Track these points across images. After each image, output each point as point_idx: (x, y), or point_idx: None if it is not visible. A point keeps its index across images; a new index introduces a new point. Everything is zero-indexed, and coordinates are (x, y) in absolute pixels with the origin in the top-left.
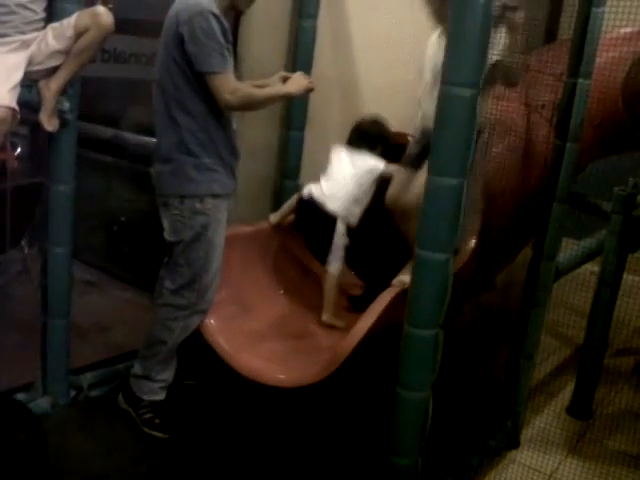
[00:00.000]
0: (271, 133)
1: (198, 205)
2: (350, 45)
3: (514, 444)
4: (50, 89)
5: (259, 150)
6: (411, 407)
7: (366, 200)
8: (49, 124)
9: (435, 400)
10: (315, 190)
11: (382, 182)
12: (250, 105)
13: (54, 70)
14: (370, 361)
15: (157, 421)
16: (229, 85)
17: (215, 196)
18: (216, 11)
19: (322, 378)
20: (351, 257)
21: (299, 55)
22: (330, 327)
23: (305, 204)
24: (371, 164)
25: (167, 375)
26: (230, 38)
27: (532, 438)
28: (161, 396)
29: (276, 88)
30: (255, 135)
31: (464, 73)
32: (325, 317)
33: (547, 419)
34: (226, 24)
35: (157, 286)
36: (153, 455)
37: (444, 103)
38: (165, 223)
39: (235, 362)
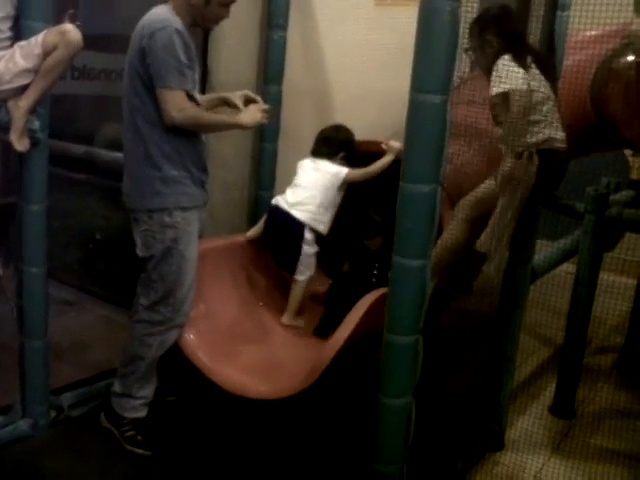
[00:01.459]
0: (244, 145)
1: (167, 219)
2: (321, 55)
3: (498, 446)
4: (20, 108)
5: (233, 162)
6: (393, 414)
7: (334, 207)
8: (19, 144)
9: (417, 406)
10: (281, 200)
11: (349, 188)
12: (196, 127)
13: (23, 89)
14: (351, 369)
15: (139, 438)
16: (177, 102)
17: (184, 209)
18: (180, 27)
19: (303, 388)
20: (320, 257)
21: (270, 66)
22: (292, 327)
23: (272, 215)
24: (334, 169)
25: (147, 392)
26: (193, 55)
27: (516, 439)
28: (142, 413)
29: (227, 117)
30: (228, 147)
31: (434, 80)
32: (285, 319)
33: (530, 420)
34: (190, 42)
35: (134, 303)
36: (137, 473)
37: (414, 110)
38: (136, 239)
39: (216, 376)
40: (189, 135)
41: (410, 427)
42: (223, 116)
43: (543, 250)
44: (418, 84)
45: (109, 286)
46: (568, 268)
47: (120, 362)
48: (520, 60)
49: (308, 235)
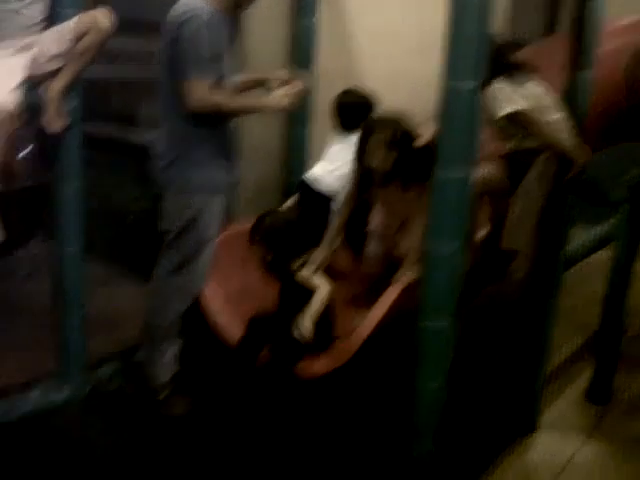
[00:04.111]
0: (275, 130)
1: (189, 200)
2: (351, 40)
3: (531, 430)
4: (52, 91)
5: (263, 147)
6: (427, 397)
7: None
8: (53, 125)
9: (451, 390)
10: (309, 174)
11: None
12: (219, 113)
13: (56, 72)
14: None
15: (171, 400)
16: (198, 93)
17: (207, 193)
18: (209, 16)
19: (334, 368)
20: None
21: (300, 52)
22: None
23: (303, 188)
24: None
25: (169, 357)
26: (224, 42)
27: (550, 423)
28: (168, 377)
29: (253, 101)
30: (259, 132)
31: (466, 66)
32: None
33: (565, 405)
34: (222, 28)
35: (153, 272)
36: (172, 438)
37: (447, 98)
38: (161, 213)
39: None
40: (216, 121)
41: (443, 410)
42: (248, 100)
43: (578, 235)
44: (449, 70)
45: (141, 262)
46: (606, 254)
47: (142, 331)
48: (514, 80)
49: (334, 207)
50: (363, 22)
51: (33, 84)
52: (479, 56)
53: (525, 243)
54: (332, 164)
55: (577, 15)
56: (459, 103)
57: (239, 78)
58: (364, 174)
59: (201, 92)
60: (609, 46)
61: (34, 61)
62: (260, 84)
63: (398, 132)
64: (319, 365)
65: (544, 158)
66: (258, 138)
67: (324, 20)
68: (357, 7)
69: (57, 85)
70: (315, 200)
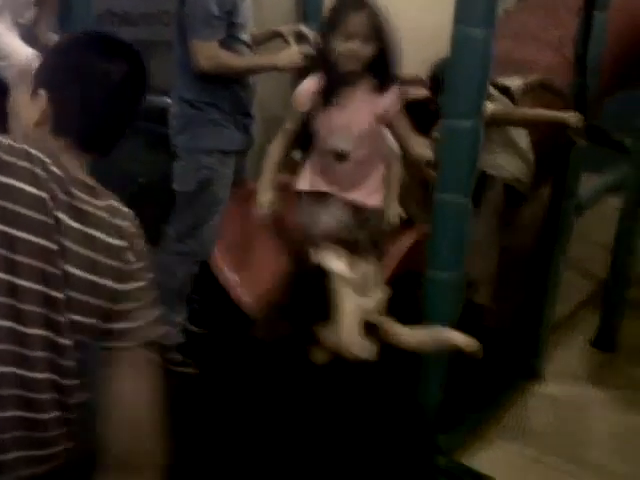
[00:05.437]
0: (286, 85)
1: (205, 159)
2: None
3: (537, 377)
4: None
5: (275, 102)
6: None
7: None
8: None
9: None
10: None
11: None
12: (229, 73)
13: None
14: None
15: (184, 360)
16: (205, 53)
17: (222, 151)
18: None
19: None
20: None
21: (308, 3)
22: None
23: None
24: None
25: (180, 319)
26: (228, 1)
27: (555, 371)
28: (180, 339)
29: (262, 58)
30: (270, 87)
31: (477, 12)
32: None
33: (571, 352)
34: None
35: (163, 234)
36: (187, 390)
37: (457, 44)
38: (174, 173)
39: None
40: (228, 81)
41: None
42: (259, 58)
43: (588, 182)
44: (461, 16)
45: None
46: (613, 202)
47: None
48: None
49: None
50: None
51: None
52: (491, 1)
53: (486, 271)
54: None
55: None
56: (470, 50)
57: (257, 33)
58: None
59: (210, 52)
60: None
61: None
62: (274, 37)
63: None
64: None
65: (494, 191)
66: (270, 94)
67: None
68: None
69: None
70: None
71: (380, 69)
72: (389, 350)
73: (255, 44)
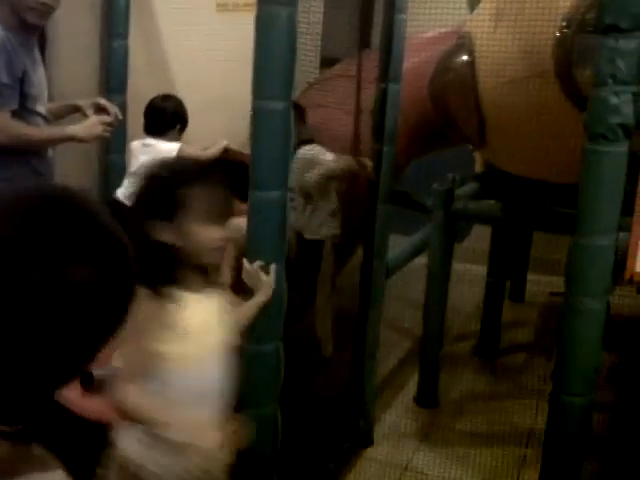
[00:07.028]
0: (90, 157)
1: None
2: (165, 62)
3: (368, 442)
4: None
5: (78, 176)
6: (258, 423)
7: None
8: None
9: (283, 411)
10: (119, 193)
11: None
12: (24, 145)
13: None
14: None
15: None
16: None
17: None
18: (2, 39)
19: None
20: None
21: (112, 75)
22: None
23: (113, 210)
24: (166, 147)
25: None
26: (27, 64)
27: (385, 433)
28: None
29: (60, 130)
30: (73, 160)
31: (274, 86)
32: None
33: (397, 412)
34: (17, 50)
35: None
36: None
37: (257, 117)
38: None
39: None
40: (25, 153)
41: (278, 436)
42: (55, 130)
43: (397, 245)
44: (259, 91)
45: None
46: (422, 261)
47: None
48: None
49: None
50: (176, 43)
51: None
52: (287, 75)
53: (327, 329)
54: (134, 178)
55: (385, 29)
56: (269, 123)
57: (53, 105)
58: None
59: (1, 123)
60: (415, 59)
61: None
62: (73, 111)
63: None
64: None
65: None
66: (69, 167)
67: (136, 41)
68: (169, 28)
69: None
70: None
71: None
72: None
73: (54, 118)
